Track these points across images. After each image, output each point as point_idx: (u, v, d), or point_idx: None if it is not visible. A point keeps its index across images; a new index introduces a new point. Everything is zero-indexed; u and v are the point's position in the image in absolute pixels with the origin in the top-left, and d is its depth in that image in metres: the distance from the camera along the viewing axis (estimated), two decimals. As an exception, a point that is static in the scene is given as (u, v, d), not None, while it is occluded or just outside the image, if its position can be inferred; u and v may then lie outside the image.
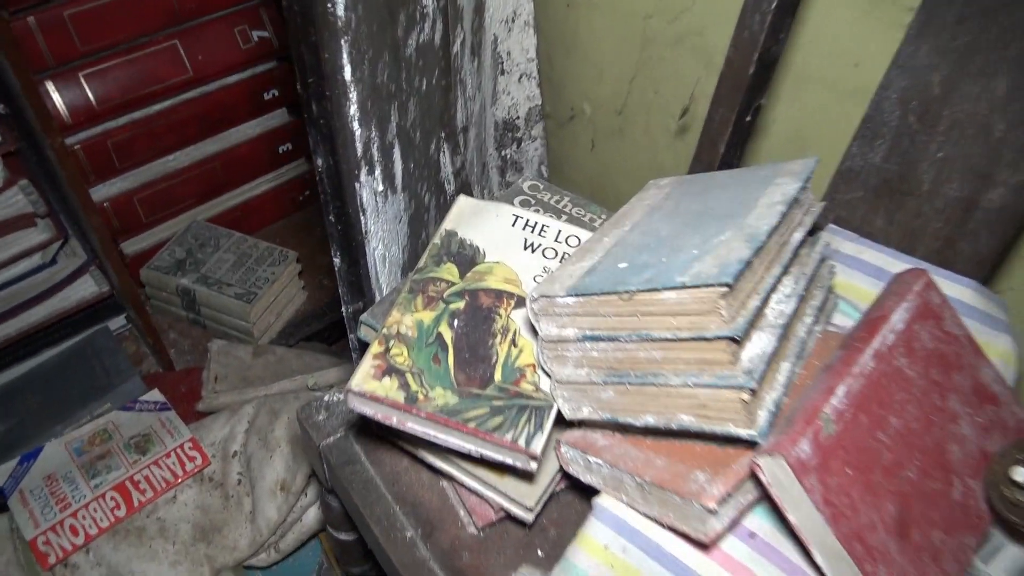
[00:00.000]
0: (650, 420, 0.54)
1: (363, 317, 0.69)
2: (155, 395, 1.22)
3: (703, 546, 0.52)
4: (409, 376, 0.60)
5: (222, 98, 1.46)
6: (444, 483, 0.67)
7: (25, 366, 1.32)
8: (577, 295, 0.54)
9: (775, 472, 0.49)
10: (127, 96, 1.32)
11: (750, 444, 0.52)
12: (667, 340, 0.51)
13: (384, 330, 0.63)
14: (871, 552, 0.48)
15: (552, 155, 1.19)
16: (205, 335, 1.46)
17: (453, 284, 0.66)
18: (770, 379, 0.53)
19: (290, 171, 1.66)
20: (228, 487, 1.08)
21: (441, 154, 0.92)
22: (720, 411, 0.51)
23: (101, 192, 1.37)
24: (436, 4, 0.76)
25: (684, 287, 0.49)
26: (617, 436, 0.59)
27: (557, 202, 0.80)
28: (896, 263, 0.68)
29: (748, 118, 0.77)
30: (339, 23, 0.58)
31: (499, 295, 0.66)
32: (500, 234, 0.71)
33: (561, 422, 0.59)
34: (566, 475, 0.61)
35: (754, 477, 0.51)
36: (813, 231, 0.62)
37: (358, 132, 0.66)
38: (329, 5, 0.56)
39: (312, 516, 1.12)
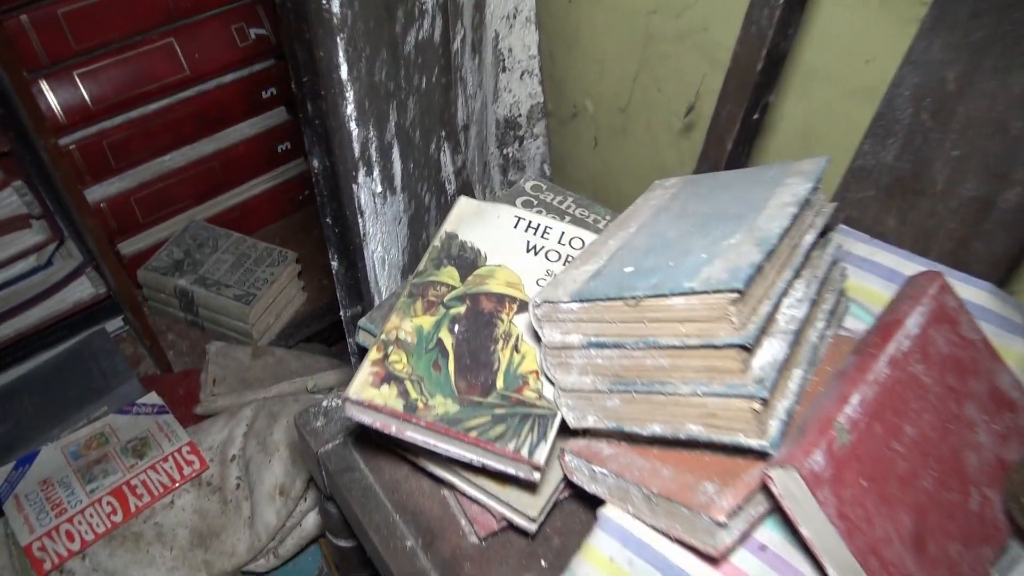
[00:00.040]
0: (657, 429, 0.53)
1: (361, 322, 0.67)
2: (153, 398, 1.20)
3: (712, 560, 0.50)
4: (408, 383, 0.58)
5: (219, 97, 1.45)
6: (445, 491, 0.66)
7: (21, 369, 1.31)
8: (581, 301, 0.53)
9: (787, 484, 0.47)
10: (122, 95, 1.30)
11: (761, 454, 0.50)
12: (675, 347, 0.50)
13: (383, 336, 0.61)
14: (887, 566, 0.47)
15: (554, 153, 1.18)
16: (204, 336, 1.45)
17: (453, 288, 0.65)
18: (781, 387, 0.52)
19: (289, 170, 1.65)
20: (226, 492, 1.06)
21: (442, 153, 0.90)
22: (730, 421, 0.50)
23: (97, 192, 1.36)
24: (435, 0, 0.74)
25: (693, 293, 0.48)
26: (623, 445, 0.57)
27: (560, 203, 0.79)
28: (909, 265, 0.67)
29: (756, 115, 0.75)
30: (334, 20, 0.57)
31: (501, 299, 0.64)
32: (502, 236, 0.69)
33: (565, 430, 0.57)
34: (570, 483, 0.60)
35: (765, 488, 0.50)
36: (824, 232, 0.60)
37: (355, 132, 0.64)
38: (324, 1, 0.55)
39: (312, 521, 1.11)
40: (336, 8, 0.56)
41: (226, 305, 1.39)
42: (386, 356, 0.59)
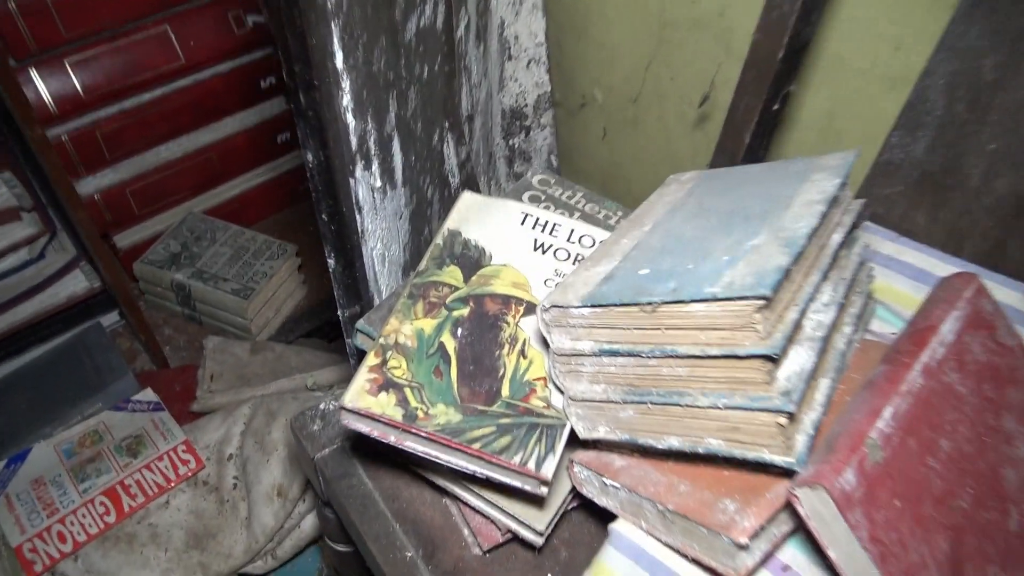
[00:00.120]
0: (674, 443, 0.50)
1: (359, 324, 0.64)
2: (148, 394, 1.18)
3: (732, 583, 0.47)
4: (408, 391, 0.55)
5: (216, 86, 1.42)
6: (447, 500, 0.63)
7: (14, 364, 1.28)
8: (593, 306, 0.49)
9: (815, 505, 0.44)
10: (116, 84, 1.27)
11: (786, 471, 0.47)
12: (694, 357, 0.46)
13: (381, 340, 0.58)
14: (923, 595, 0.43)
15: (562, 144, 1.14)
16: (201, 331, 1.42)
17: (456, 289, 0.61)
18: (808, 399, 0.48)
19: (289, 161, 1.62)
20: (223, 492, 1.04)
21: (445, 145, 0.87)
22: (753, 436, 0.46)
23: (92, 184, 1.33)
24: (438, -17, 0.71)
25: (715, 299, 0.44)
26: (636, 457, 0.54)
27: (569, 198, 0.75)
28: (940, 265, 0.64)
29: (776, 106, 0.71)
30: (328, 5, 0.53)
31: (507, 301, 0.61)
32: (508, 234, 0.65)
33: (574, 440, 0.54)
34: (579, 494, 0.57)
35: (790, 506, 0.46)
36: (850, 230, 0.57)
37: (352, 124, 0.60)
38: (318, -17, 0.51)
39: (310, 523, 1.08)
40: (331, -10, 0.52)
41: (224, 299, 1.36)
42: (384, 361, 0.56)
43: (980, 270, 0.60)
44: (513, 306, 0.61)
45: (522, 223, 0.66)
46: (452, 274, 0.62)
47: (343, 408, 0.54)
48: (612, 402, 0.51)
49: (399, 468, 0.65)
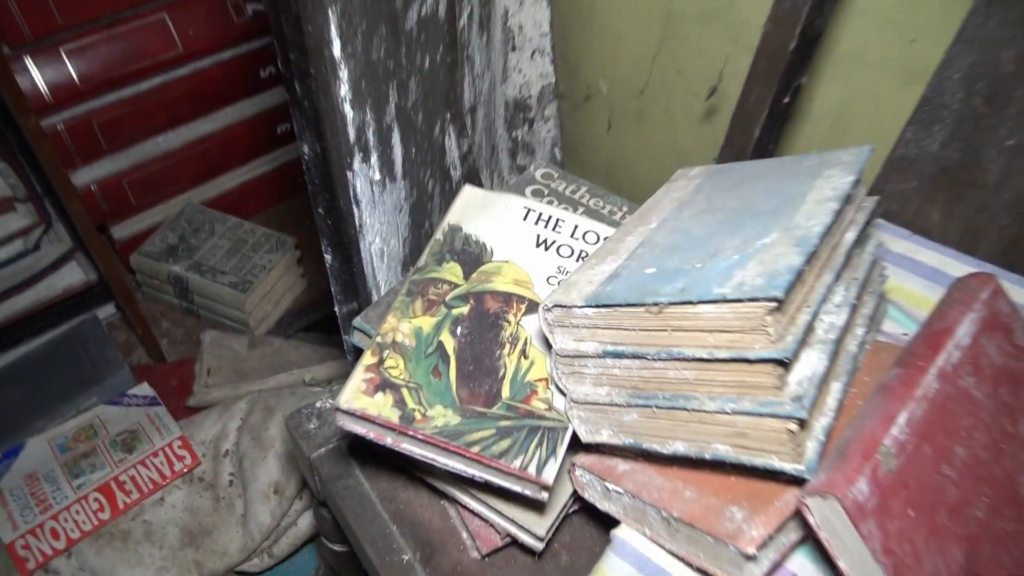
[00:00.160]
0: (680, 448, 0.48)
1: (356, 321, 0.62)
2: (144, 389, 1.16)
3: (739, 594, 0.46)
4: (405, 391, 0.53)
5: (215, 75, 1.39)
6: (445, 502, 0.62)
7: (8, 357, 1.27)
8: (597, 306, 0.48)
9: (827, 515, 0.42)
10: (112, 73, 1.25)
11: (796, 478, 0.45)
12: (702, 360, 0.45)
13: (378, 338, 0.56)
14: (937, 609, 0.42)
15: (566, 137, 1.12)
16: (199, 325, 1.40)
17: (456, 286, 0.60)
18: (819, 403, 0.47)
19: (289, 152, 1.60)
20: (219, 488, 1.02)
21: (446, 137, 0.85)
22: (762, 442, 0.45)
23: (88, 174, 1.31)
24: (440, -29, 0.69)
25: (725, 301, 0.42)
26: (640, 461, 0.53)
27: (573, 192, 0.73)
28: (954, 264, 0.62)
29: (786, 99, 0.69)
30: (327, -10, 0.51)
31: (508, 299, 0.59)
32: (510, 229, 0.64)
33: (576, 443, 0.53)
34: (581, 497, 0.55)
35: (799, 514, 0.45)
36: (862, 228, 0.55)
37: (350, 115, 0.58)
38: (314, -32, 0.49)
39: (308, 521, 1.07)
40: (328, -24, 0.50)
41: (221, 293, 1.34)
42: (381, 361, 0.55)
43: (996, 270, 0.58)
44: (514, 304, 0.59)
45: (524, 218, 0.65)
46: (452, 270, 0.61)
47: (338, 409, 0.52)
48: (616, 405, 0.50)
49: (397, 468, 0.64)
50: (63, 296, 1.23)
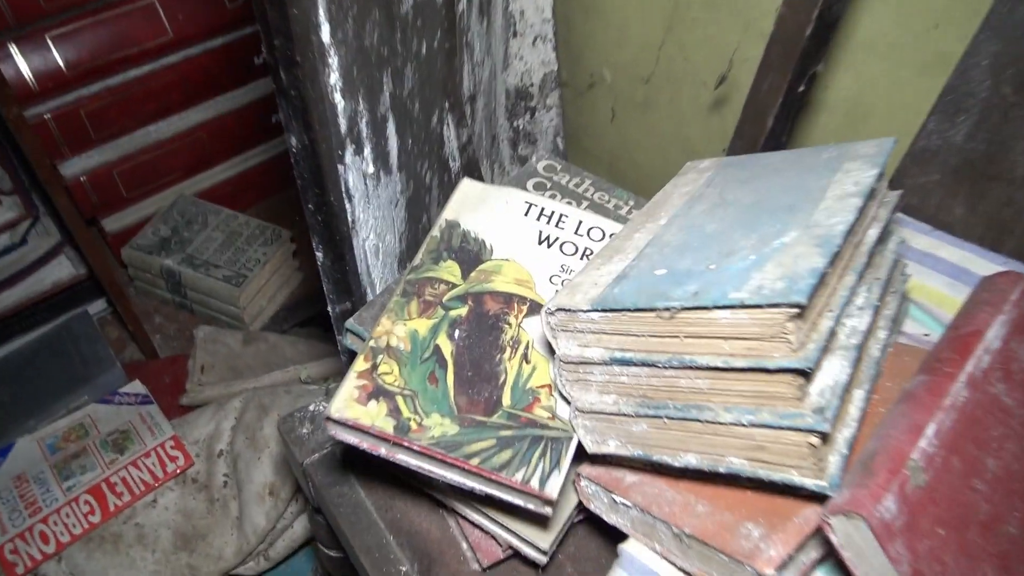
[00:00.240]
0: (692, 461, 0.45)
1: (349, 323, 0.59)
2: (136, 386, 1.13)
3: (756, 616, 0.43)
4: (400, 399, 0.50)
5: (207, 63, 1.36)
6: (444, 510, 0.59)
7: (-4, 354, 1.24)
8: (604, 310, 0.44)
9: (851, 535, 0.39)
10: (100, 60, 1.21)
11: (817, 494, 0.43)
12: (716, 369, 0.42)
13: (371, 342, 0.53)
14: (969, 635, 0.39)
15: (569, 126, 1.09)
16: (193, 320, 1.38)
17: (454, 286, 0.57)
18: (842, 414, 0.44)
19: (284, 143, 1.55)
20: (213, 490, 1.00)
21: (445, 127, 0.82)
22: (781, 455, 0.42)
23: (77, 165, 1.28)
24: (436, -48, 0.65)
25: (742, 306, 0.39)
26: (649, 471, 0.49)
27: (577, 185, 0.70)
28: (979, 261, 0.59)
29: (801, 87, 0.66)
30: (314, -30, 0.48)
31: (508, 300, 0.56)
32: (510, 225, 0.61)
33: (581, 452, 0.50)
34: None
35: (820, 531, 0.42)
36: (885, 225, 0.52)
37: (341, 104, 0.55)
38: (301, -53, 0.46)
39: (304, 523, 1.04)
40: (315, -44, 0.47)
41: (215, 287, 1.31)
42: (375, 366, 0.52)
43: (1023, 267, 0.55)
44: (515, 305, 0.56)
45: (526, 213, 0.61)
46: (449, 269, 0.58)
47: (329, 419, 0.49)
48: (624, 415, 0.47)
49: (394, 476, 0.61)
50: (52, 291, 1.21)
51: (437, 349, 0.53)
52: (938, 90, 0.60)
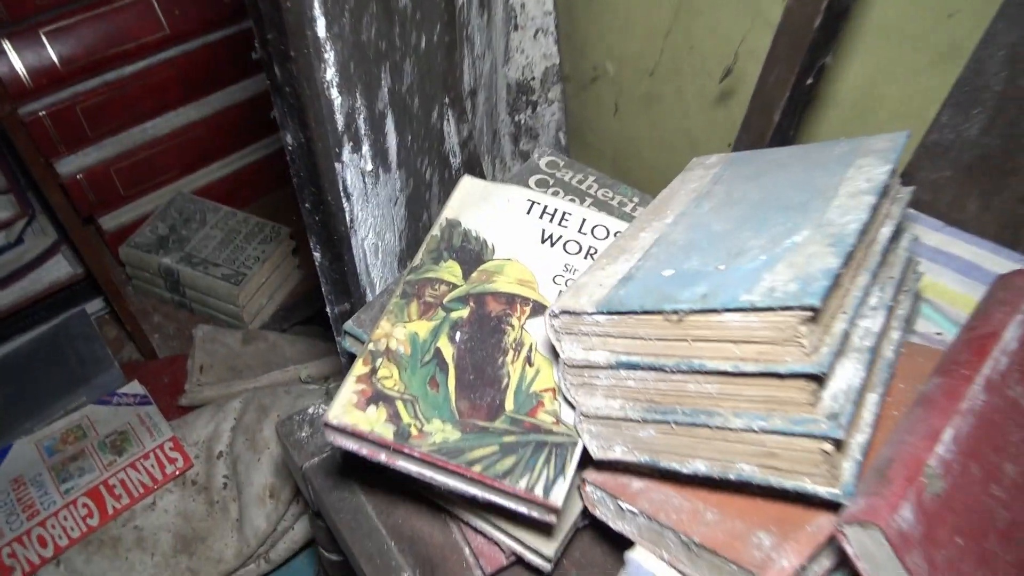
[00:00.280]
0: (701, 467, 0.44)
1: (347, 325, 0.58)
2: (134, 387, 1.12)
3: (767, 628, 0.42)
4: (400, 404, 0.49)
5: (205, 58, 1.34)
6: (446, 515, 0.58)
7: (-7, 355, 1.22)
8: (610, 312, 0.43)
9: (867, 546, 0.38)
10: (95, 56, 1.20)
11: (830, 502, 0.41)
12: (726, 373, 0.40)
13: (370, 345, 0.52)
14: (989, 648, 0.38)
15: (571, 121, 1.07)
16: (192, 319, 1.36)
17: (455, 287, 0.55)
18: (856, 418, 0.42)
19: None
20: (212, 492, 0.99)
21: (445, 122, 0.80)
22: (793, 463, 0.41)
23: (74, 163, 1.26)
24: (435, -57, 0.64)
25: (753, 309, 0.38)
26: (656, 477, 0.48)
27: (580, 182, 0.68)
28: (992, 258, 0.58)
29: (809, 80, 0.64)
30: (308, -38, 0.46)
31: (511, 300, 0.55)
32: (512, 224, 0.59)
33: (587, 457, 0.49)
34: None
35: (834, 540, 0.41)
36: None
37: (338, 101, 0.54)
38: (294, -62, 0.44)
39: (305, 524, 1.03)
40: (309, -53, 0.45)
41: (214, 286, 1.29)
42: (374, 370, 0.50)
43: (1041, 265, 0.54)
44: (518, 306, 0.54)
45: (528, 212, 0.60)
46: (450, 270, 0.56)
47: (327, 425, 0.48)
48: (630, 420, 0.45)
49: (395, 480, 0.60)
50: (50, 291, 1.19)
51: (438, 352, 0.52)
52: (951, 82, 0.58)
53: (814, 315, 0.37)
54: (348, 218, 0.59)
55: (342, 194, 0.57)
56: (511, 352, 0.52)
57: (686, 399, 0.43)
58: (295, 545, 1.03)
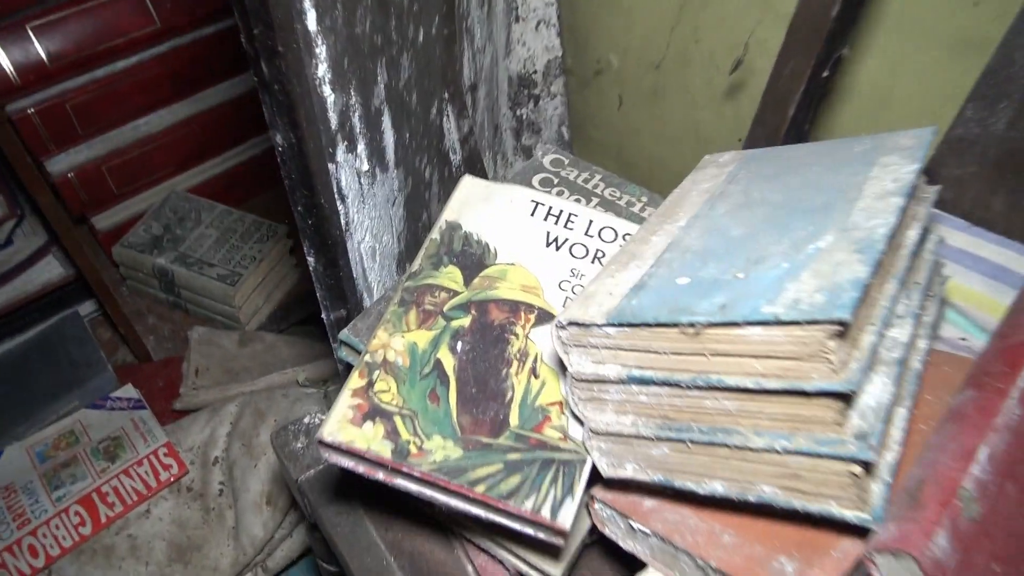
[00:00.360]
0: (718, 488, 0.41)
1: (342, 335, 0.55)
2: (128, 390, 1.10)
3: (791, 661, 0.39)
4: (398, 420, 0.46)
5: (198, 53, 1.31)
6: (449, 531, 0.55)
7: (-17, 358, 1.20)
8: (621, 324, 0.40)
9: (899, 575, 0.35)
10: (85, 52, 1.17)
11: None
12: (746, 390, 0.38)
13: (367, 356, 0.49)
14: None
15: (574, 115, 1.05)
16: (187, 320, 1.34)
17: (456, 294, 0.52)
18: (884, 438, 0.40)
19: (279, 135, 1.51)
20: (208, 499, 0.96)
21: (444, 118, 0.78)
22: (818, 485, 0.38)
23: (64, 161, 1.23)
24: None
25: (777, 322, 0.35)
26: (669, 496, 0.45)
27: (586, 181, 0.65)
28: (1020, 260, 0.55)
29: (825, 73, 0.61)
30: (297, -49, 0.43)
31: (515, 308, 0.52)
32: (515, 226, 0.56)
33: (595, 474, 0.46)
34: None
35: (861, 567, 0.38)
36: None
37: (331, 98, 0.51)
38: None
39: (303, 532, 1.01)
40: (298, -65, 0.42)
41: (209, 286, 1.27)
42: (371, 383, 0.48)
43: (1073, 268, 0.51)
44: (522, 314, 0.52)
45: (532, 213, 0.57)
46: (450, 276, 0.53)
47: (321, 442, 0.45)
48: (643, 437, 0.43)
49: (395, 494, 0.57)
50: (41, 292, 1.17)
51: (438, 363, 0.49)
52: (976, 74, 0.56)
53: (843, 329, 0.34)
54: (343, 221, 0.56)
55: (336, 196, 0.55)
56: (515, 363, 0.49)
57: (703, 416, 0.40)
58: (293, 553, 1.01)
